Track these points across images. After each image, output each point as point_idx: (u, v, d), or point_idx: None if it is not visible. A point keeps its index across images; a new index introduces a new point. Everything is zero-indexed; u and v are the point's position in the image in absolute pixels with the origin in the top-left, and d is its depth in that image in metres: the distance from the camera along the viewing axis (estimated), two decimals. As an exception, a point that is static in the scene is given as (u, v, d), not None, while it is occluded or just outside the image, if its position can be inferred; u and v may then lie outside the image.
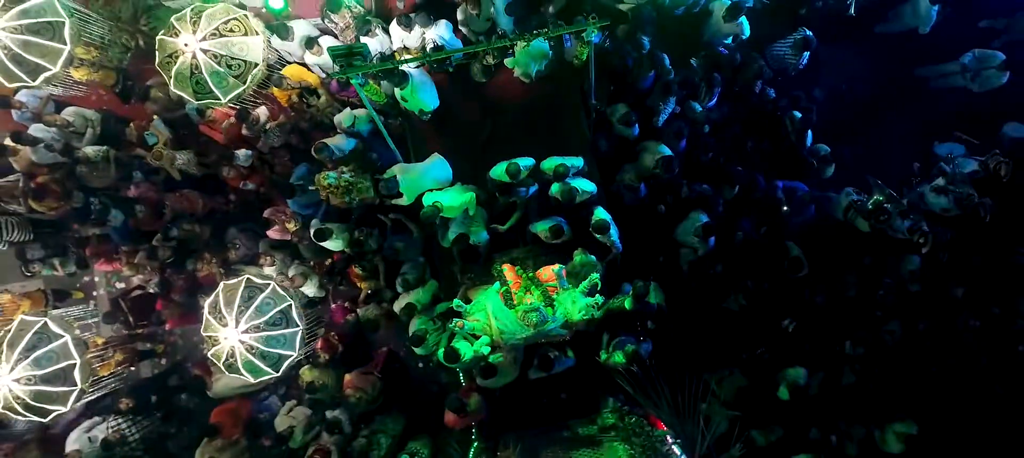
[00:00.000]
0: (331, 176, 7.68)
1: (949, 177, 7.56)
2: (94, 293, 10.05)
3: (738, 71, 8.14)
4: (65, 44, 8.15)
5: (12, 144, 8.84)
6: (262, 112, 8.75)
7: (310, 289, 8.83)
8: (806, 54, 8.17)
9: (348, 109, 8.83)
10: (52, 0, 8.23)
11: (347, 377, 8.69)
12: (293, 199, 8.47)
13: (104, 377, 8.72)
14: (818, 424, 7.99)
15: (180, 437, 9.17)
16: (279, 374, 7.81)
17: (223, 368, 7.41)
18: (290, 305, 7.54)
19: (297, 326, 7.56)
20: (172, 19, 8.08)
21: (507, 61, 8.20)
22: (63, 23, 8.16)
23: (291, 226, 8.72)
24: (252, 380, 7.73)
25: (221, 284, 7.49)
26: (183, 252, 8.89)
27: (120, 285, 9.99)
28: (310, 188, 8.20)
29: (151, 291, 9.41)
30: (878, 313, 7.81)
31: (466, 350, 6.85)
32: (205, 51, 7.82)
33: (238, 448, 8.55)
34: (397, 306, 8.04)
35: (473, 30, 8.80)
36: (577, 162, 7.41)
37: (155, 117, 9.23)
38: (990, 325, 7.86)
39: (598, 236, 7.16)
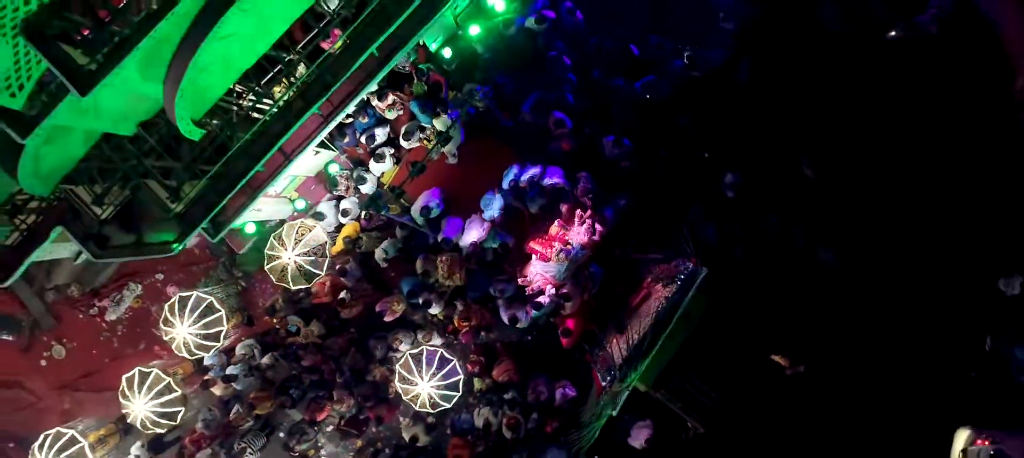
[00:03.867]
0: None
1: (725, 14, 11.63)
2: (319, 444, 14.32)
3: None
4: (220, 310, 12.42)
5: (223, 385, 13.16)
6: (351, 267, 12.85)
7: (437, 340, 12.94)
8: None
9: (379, 250, 12.89)
10: (195, 294, 12.52)
11: (493, 373, 12.84)
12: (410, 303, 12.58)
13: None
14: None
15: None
16: (460, 393, 11.99)
17: (431, 410, 11.61)
18: (441, 351, 11.69)
19: (452, 360, 11.71)
20: (266, 251, 12.29)
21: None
22: (211, 301, 12.43)
23: (398, 307, 12.82)
24: (450, 406, 11.91)
25: (396, 366, 11.69)
26: (359, 374, 13.12)
27: (330, 427, 14.23)
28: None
29: (352, 413, 13.65)
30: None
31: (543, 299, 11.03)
32: (299, 255, 12.03)
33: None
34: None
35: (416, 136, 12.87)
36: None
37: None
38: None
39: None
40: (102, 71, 5.88)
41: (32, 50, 5.97)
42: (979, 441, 11.09)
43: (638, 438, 11.93)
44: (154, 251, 9.00)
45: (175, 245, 9.07)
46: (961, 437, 11.23)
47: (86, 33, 6.06)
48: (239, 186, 9.18)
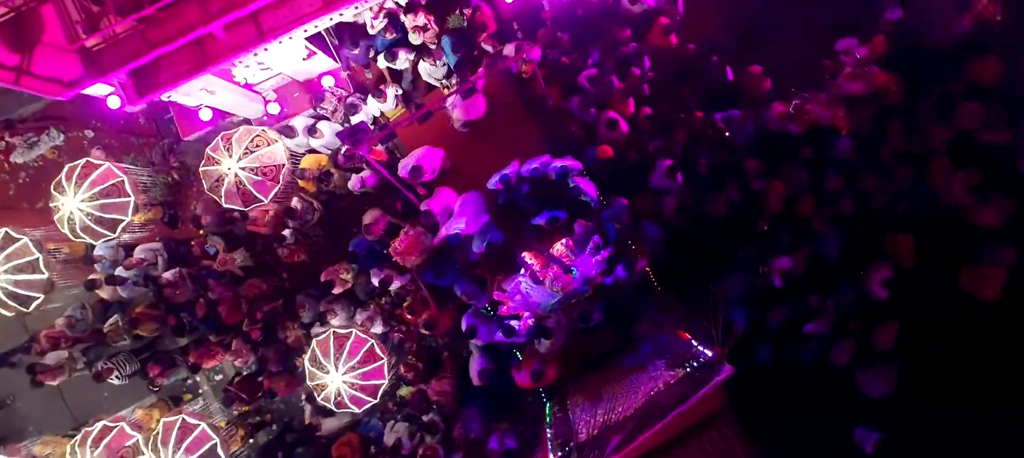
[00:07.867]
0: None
1: (855, 64, 9.23)
2: (199, 390, 11.83)
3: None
4: (130, 196, 9.92)
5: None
6: (297, 203, 10.41)
7: (378, 328, 10.51)
8: None
9: (355, 175, 10.54)
10: (107, 166, 10.01)
11: (428, 388, 10.45)
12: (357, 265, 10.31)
13: (237, 450, 10.55)
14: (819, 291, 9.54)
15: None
16: (376, 400, 9.59)
17: (333, 407, 9.18)
18: (372, 344, 9.28)
19: (383, 358, 9.30)
20: (207, 150, 9.82)
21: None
22: (123, 180, 9.93)
23: (346, 277, 10.43)
24: (358, 411, 9.50)
25: (313, 341, 9.25)
26: (270, 329, 10.63)
27: (218, 378, 11.76)
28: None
29: (246, 372, 11.19)
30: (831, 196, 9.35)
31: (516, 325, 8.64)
32: (243, 168, 9.57)
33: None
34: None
35: (434, 78, 10.54)
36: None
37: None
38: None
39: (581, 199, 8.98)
40: None
41: None
42: None
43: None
44: (37, 87, 6.53)
45: (69, 87, 6.60)
46: None
47: None
48: (182, 42, 6.74)
